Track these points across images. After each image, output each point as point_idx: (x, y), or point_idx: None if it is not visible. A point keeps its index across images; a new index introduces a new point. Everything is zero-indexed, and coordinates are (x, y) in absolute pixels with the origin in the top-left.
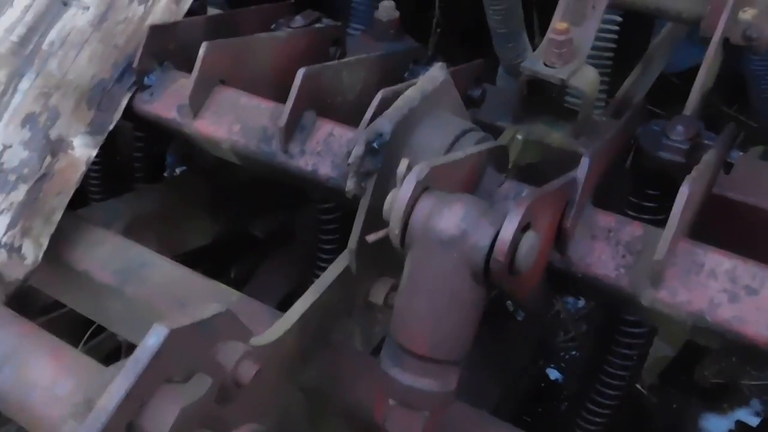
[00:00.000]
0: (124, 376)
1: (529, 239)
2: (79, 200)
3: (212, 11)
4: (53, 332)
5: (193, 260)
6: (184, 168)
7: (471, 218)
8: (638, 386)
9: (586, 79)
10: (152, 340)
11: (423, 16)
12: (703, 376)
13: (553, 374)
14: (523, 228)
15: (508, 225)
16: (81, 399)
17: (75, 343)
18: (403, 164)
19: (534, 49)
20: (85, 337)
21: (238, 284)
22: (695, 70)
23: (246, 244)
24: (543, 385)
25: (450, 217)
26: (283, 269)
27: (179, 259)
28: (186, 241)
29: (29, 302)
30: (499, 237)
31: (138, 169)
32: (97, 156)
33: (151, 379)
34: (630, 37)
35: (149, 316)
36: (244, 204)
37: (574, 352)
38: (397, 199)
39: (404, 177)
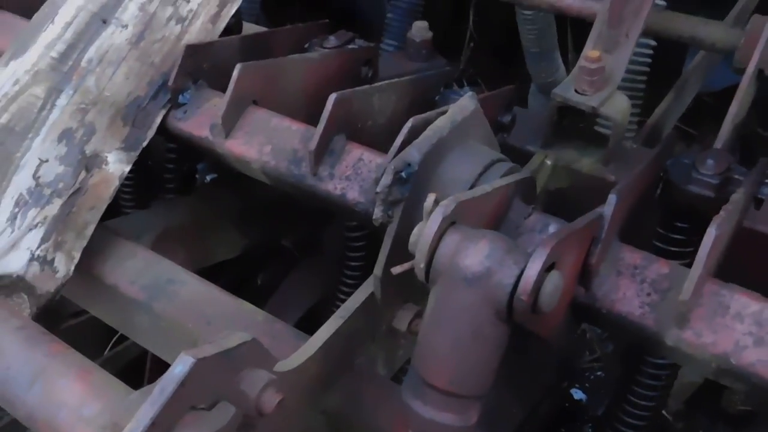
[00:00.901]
0: (150, 404)
1: (554, 279)
2: (111, 209)
3: (248, 26)
4: (82, 335)
5: (220, 267)
6: (215, 176)
7: (496, 256)
8: (664, 412)
9: (618, 107)
10: (178, 369)
11: (458, 29)
12: (731, 403)
13: (578, 394)
14: (548, 268)
15: (532, 265)
16: (107, 422)
17: (103, 346)
18: (430, 198)
19: (567, 69)
20: (113, 341)
21: (264, 292)
22: (728, 90)
23: (274, 252)
24: (567, 405)
25: (475, 255)
26: (309, 281)
27: (207, 267)
28: (214, 254)
29: (59, 306)
30: (523, 277)
31: (169, 180)
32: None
33: (176, 407)
34: (663, 59)
35: (176, 333)
36: (273, 217)
37: (599, 373)
38: (423, 234)
39: (431, 211)
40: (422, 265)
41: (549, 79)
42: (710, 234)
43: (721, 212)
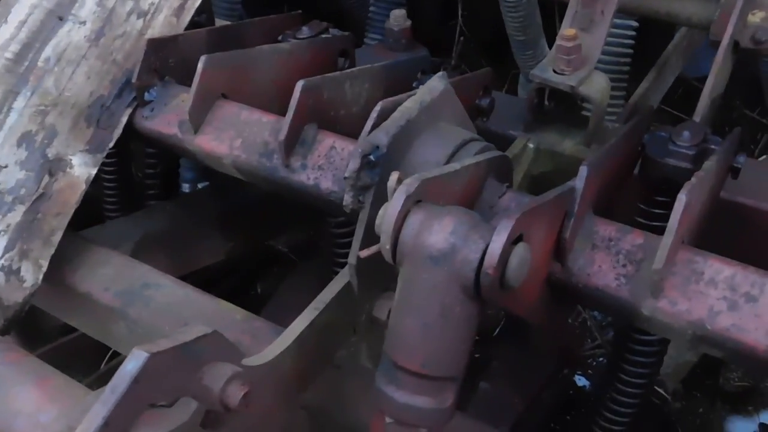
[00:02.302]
0: (101, 403)
1: (520, 252)
2: (95, 217)
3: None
4: (75, 352)
5: (218, 276)
6: (206, 183)
7: (461, 232)
8: (662, 392)
9: (597, 85)
10: (131, 365)
11: (448, 25)
12: (728, 380)
13: (581, 381)
14: (515, 240)
15: (497, 238)
16: (64, 426)
17: (96, 363)
18: (393, 177)
19: None
20: (107, 357)
21: (263, 300)
22: None
23: (271, 259)
24: (571, 392)
25: (439, 232)
26: (306, 284)
27: (202, 276)
28: (197, 259)
29: (46, 323)
30: (488, 251)
31: (151, 186)
32: (113, 173)
33: (131, 404)
34: (650, 44)
35: (153, 338)
36: (261, 219)
37: (601, 359)
38: (387, 214)
39: (394, 191)
40: (388, 246)
41: None
42: (680, 200)
43: (693, 179)
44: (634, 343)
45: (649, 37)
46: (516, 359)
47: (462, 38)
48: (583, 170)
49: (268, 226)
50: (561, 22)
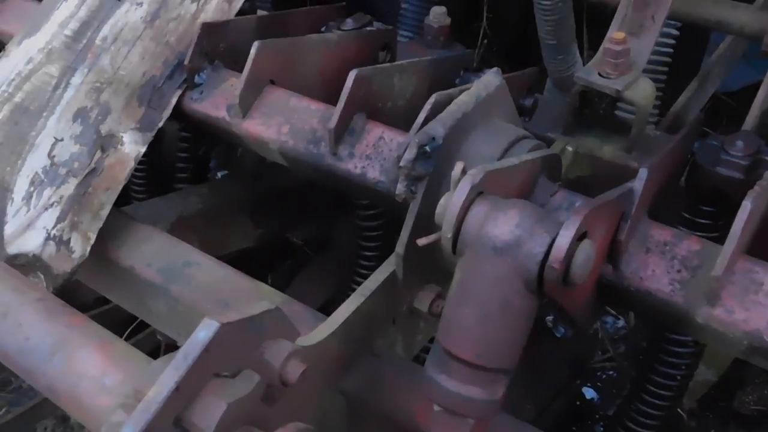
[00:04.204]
0: (174, 368)
1: (585, 249)
2: (123, 199)
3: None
4: None
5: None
6: (226, 172)
7: (526, 225)
8: (678, 409)
9: (642, 91)
10: (203, 333)
11: (470, 28)
12: (744, 403)
13: (590, 393)
14: (579, 237)
15: (565, 232)
16: (130, 390)
17: None
18: (458, 167)
19: (584, 64)
20: (123, 337)
21: None
22: (747, 90)
23: (283, 251)
24: (579, 404)
25: (504, 223)
26: (320, 278)
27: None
28: (228, 242)
29: (68, 300)
30: (555, 244)
31: (182, 170)
32: (142, 156)
33: (200, 372)
34: (683, 53)
35: (193, 316)
36: (285, 210)
37: (611, 372)
38: (451, 203)
39: (459, 181)
40: (449, 236)
41: (566, 73)
42: (745, 208)
43: (756, 187)
44: (667, 355)
45: (680, 47)
46: (529, 365)
47: (485, 41)
48: (643, 172)
49: (297, 213)
50: (588, 28)
